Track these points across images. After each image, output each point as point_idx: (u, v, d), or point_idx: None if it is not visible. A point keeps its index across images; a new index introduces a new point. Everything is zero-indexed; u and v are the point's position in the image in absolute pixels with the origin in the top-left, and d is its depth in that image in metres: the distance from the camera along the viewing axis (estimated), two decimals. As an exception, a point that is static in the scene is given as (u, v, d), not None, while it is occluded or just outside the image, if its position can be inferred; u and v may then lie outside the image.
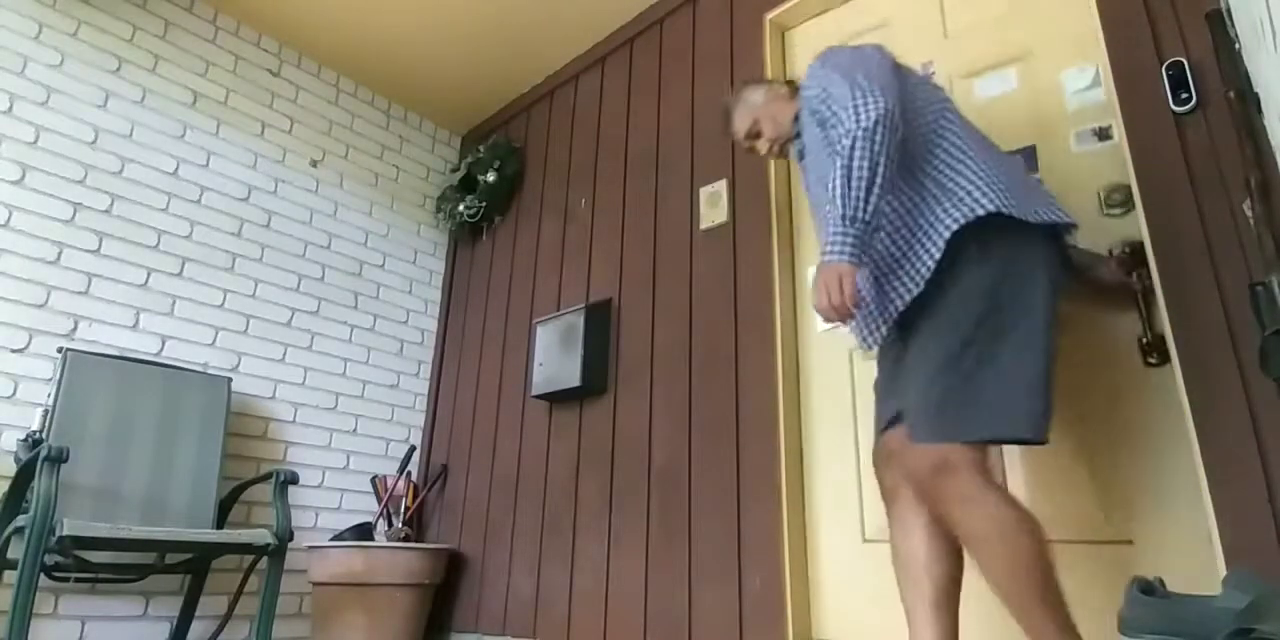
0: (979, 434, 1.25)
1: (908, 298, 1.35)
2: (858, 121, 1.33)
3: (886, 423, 1.43)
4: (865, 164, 1.29)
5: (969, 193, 1.33)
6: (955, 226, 1.31)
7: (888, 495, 1.42)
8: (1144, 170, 1.58)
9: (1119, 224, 1.65)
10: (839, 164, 1.31)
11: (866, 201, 1.29)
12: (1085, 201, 1.71)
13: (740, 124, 1.76)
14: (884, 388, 1.48)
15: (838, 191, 1.30)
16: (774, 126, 1.69)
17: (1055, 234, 1.40)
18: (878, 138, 1.31)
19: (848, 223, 1.29)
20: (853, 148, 1.31)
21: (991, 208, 1.30)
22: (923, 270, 1.33)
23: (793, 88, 1.72)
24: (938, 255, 1.31)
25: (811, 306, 1.33)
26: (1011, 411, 1.26)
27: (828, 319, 1.31)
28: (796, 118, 1.61)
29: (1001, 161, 1.44)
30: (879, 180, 1.29)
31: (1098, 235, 1.66)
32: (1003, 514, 1.21)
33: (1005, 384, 1.25)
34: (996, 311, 1.28)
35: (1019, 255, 1.33)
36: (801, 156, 1.61)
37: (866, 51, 1.51)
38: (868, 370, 1.72)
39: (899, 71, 1.48)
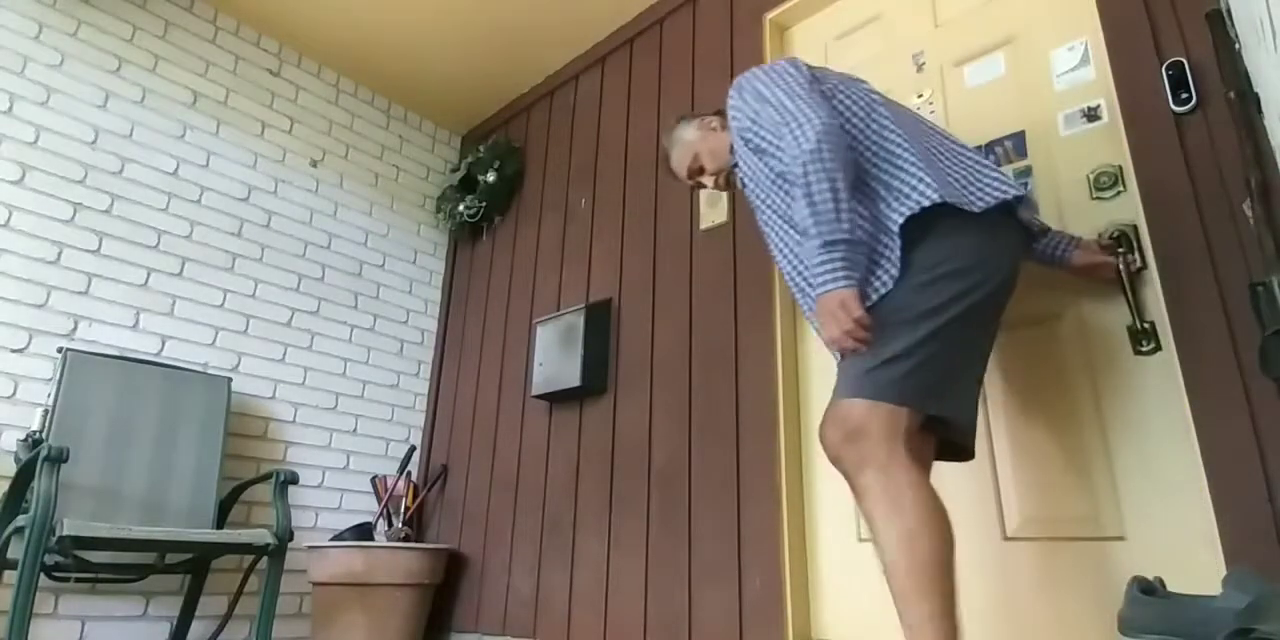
0: (891, 397, 1.24)
1: (876, 298, 1.32)
2: (800, 145, 1.32)
3: None
4: (825, 185, 1.29)
5: (914, 187, 1.33)
6: (901, 220, 1.31)
7: None
8: (1144, 170, 1.58)
9: (1109, 207, 1.66)
10: (799, 193, 1.31)
11: (839, 220, 1.28)
12: (1075, 186, 1.72)
13: (680, 163, 1.76)
14: None
15: (809, 221, 1.29)
16: (714, 159, 1.70)
17: (1008, 209, 1.40)
18: (825, 155, 1.30)
19: (828, 248, 1.27)
20: (806, 174, 1.30)
21: (936, 198, 1.30)
22: (891, 270, 1.31)
23: (723, 117, 1.71)
24: (898, 251, 1.31)
25: (824, 344, 1.29)
26: (924, 385, 1.26)
27: (843, 347, 1.26)
28: (732, 147, 1.61)
29: (933, 147, 1.42)
30: (843, 195, 1.29)
31: (1088, 219, 1.66)
32: (904, 484, 1.19)
33: (924, 359, 1.26)
34: (933, 290, 1.28)
35: (972, 244, 1.33)
36: (744, 184, 1.61)
37: (779, 67, 1.50)
38: (868, 370, 1.72)
39: (817, 77, 1.47)
